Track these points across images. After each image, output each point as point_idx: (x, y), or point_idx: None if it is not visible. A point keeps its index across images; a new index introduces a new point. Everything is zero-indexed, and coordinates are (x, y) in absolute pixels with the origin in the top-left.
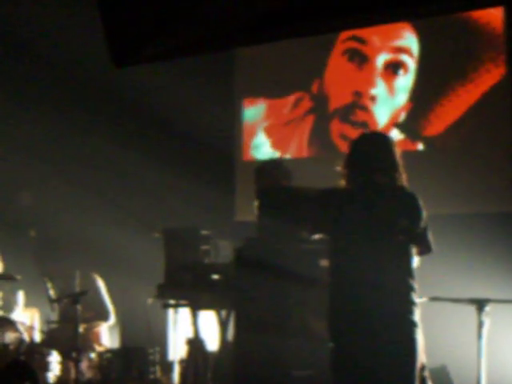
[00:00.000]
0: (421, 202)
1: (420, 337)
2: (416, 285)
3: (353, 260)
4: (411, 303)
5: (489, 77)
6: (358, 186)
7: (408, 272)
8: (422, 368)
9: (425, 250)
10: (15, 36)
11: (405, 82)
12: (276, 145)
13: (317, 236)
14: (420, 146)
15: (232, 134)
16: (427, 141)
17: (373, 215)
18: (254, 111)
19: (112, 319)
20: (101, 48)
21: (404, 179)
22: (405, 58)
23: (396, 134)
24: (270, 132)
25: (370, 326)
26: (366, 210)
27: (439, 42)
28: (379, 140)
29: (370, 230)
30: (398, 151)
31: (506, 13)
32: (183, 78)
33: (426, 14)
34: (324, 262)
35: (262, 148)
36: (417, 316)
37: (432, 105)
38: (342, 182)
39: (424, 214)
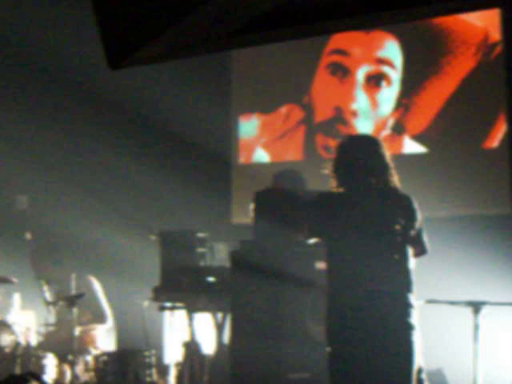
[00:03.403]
0: (416, 204)
1: (417, 339)
2: (414, 287)
3: (350, 263)
4: (409, 305)
5: (461, 69)
6: (352, 188)
7: (406, 274)
8: (419, 371)
9: (420, 251)
10: (9, 40)
11: (388, 93)
12: (274, 157)
13: (312, 240)
14: (407, 146)
15: (228, 137)
16: (413, 135)
17: (369, 218)
18: (248, 127)
19: (110, 322)
20: (98, 51)
21: (396, 181)
22: (386, 69)
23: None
24: (267, 146)
25: (368, 329)
26: (362, 213)
27: (417, 42)
28: (368, 142)
29: (366, 232)
30: (387, 152)
31: (502, 14)
32: (181, 82)
33: (421, 16)
34: (320, 265)
35: (262, 161)
36: (415, 318)
37: (414, 100)
38: (333, 185)
39: (419, 215)
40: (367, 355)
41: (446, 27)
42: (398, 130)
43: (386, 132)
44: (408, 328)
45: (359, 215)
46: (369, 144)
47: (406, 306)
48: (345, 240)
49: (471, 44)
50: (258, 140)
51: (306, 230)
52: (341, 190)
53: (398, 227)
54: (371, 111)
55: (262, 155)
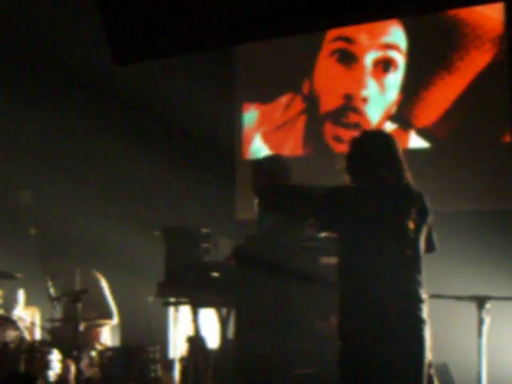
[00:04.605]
0: (427, 201)
1: (428, 334)
2: (424, 281)
3: (362, 258)
4: (420, 301)
5: (474, 64)
6: (366, 183)
7: (418, 270)
8: (429, 365)
9: (429, 248)
10: (16, 34)
11: (395, 77)
12: (273, 148)
13: (323, 234)
14: (413, 141)
15: (232, 133)
16: (419, 130)
17: (382, 213)
18: (248, 117)
19: (115, 319)
20: (103, 47)
21: (409, 177)
22: (393, 54)
23: (388, 126)
24: (266, 137)
25: (381, 324)
26: (375, 208)
27: (426, 33)
28: (382, 138)
29: (379, 228)
30: (400, 149)
31: (506, 8)
32: (185, 77)
33: (426, 10)
34: (324, 260)
35: (261, 153)
36: (425, 313)
37: (422, 94)
38: (346, 180)
39: (430, 212)
40: (378, 350)
41: (458, 19)
42: (405, 124)
43: (393, 126)
44: (420, 323)
45: (372, 210)
46: (383, 139)
47: (418, 302)
48: (357, 235)
49: (486, 39)
50: (256, 130)
51: (317, 224)
52: (353, 184)
53: (411, 224)
54: (380, 97)
55: (260, 146)
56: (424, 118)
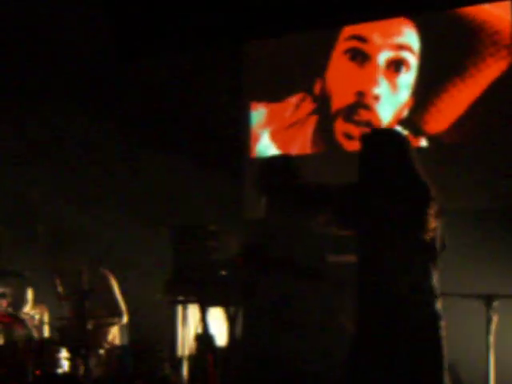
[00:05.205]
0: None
1: (444, 330)
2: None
3: (382, 255)
4: (436, 295)
5: (489, 72)
6: (382, 182)
7: (434, 266)
8: None
9: (441, 246)
10: (21, 31)
11: (407, 78)
12: (281, 147)
13: (346, 231)
14: (423, 142)
15: (241, 131)
16: (430, 137)
17: (402, 210)
18: (256, 115)
19: (125, 318)
20: (108, 41)
21: (424, 175)
22: (406, 54)
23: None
24: (274, 136)
25: (400, 322)
26: (395, 206)
27: (439, 37)
28: (396, 137)
29: (398, 225)
30: (413, 148)
31: None
32: (194, 75)
33: (436, 8)
34: (333, 258)
35: (268, 151)
36: (440, 307)
37: (434, 101)
38: (360, 177)
39: (444, 210)
40: (399, 350)
41: (473, 24)
42: (416, 131)
43: (404, 132)
44: (436, 318)
45: (392, 208)
46: (395, 138)
47: (435, 297)
48: (377, 232)
49: (502, 45)
50: (263, 129)
51: (337, 223)
52: (369, 183)
53: (431, 221)
54: (392, 96)
55: (268, 145)
56: (435, 124)
